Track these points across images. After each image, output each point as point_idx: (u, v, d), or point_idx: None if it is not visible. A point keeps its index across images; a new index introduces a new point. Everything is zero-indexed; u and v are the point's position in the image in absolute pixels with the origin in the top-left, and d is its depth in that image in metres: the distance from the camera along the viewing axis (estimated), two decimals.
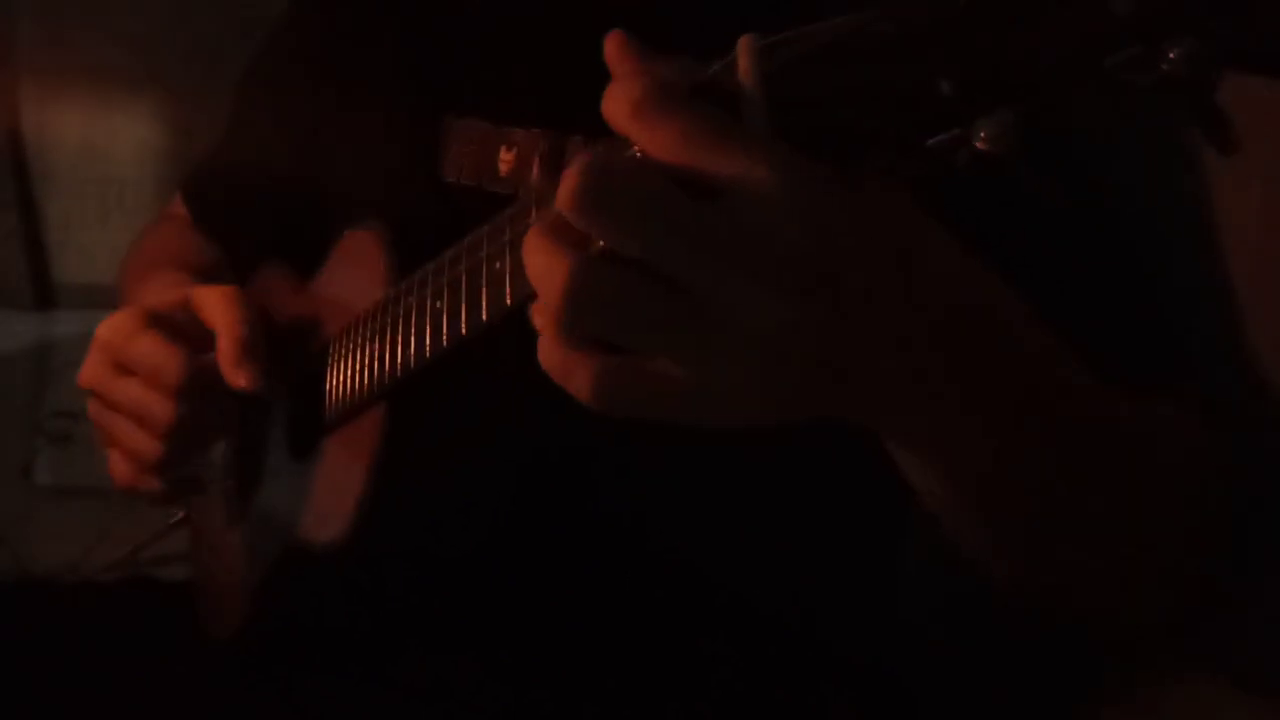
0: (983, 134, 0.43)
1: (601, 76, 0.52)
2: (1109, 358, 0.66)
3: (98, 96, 2.10)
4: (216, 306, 0.89)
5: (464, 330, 0.68)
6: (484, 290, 0.65)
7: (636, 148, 0.50)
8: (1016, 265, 0.59)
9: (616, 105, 0.49)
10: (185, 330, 0.89)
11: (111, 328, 0.89)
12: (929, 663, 0.95)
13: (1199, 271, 0.78)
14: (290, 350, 0.93)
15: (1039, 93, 0.42)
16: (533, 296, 0.58)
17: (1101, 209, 0.73)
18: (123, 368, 0.88)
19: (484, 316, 0.65)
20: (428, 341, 0.73)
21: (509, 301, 0.62)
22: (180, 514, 1.12)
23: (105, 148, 2.12)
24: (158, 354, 0.86)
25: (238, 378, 0.86)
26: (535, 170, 0.78)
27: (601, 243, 0.49)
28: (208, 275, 1.02)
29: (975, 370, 0.55)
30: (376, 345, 0.80)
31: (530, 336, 0.52)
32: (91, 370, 0.90)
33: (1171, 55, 0.39)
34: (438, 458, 0.83)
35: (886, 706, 0.88)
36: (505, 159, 0.84)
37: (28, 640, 0.93)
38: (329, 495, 0.86)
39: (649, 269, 0.48)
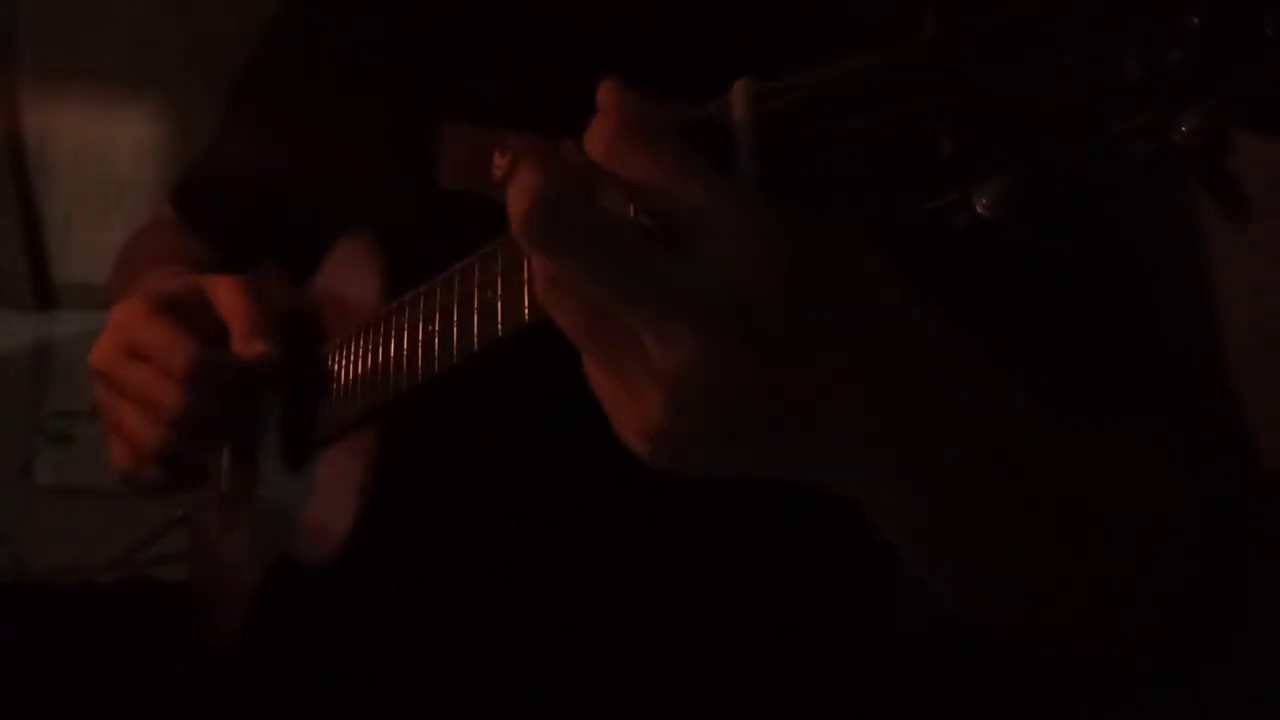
0: (984, 200, 0.42)
1: (598, 78, 0.52)
2: (1085, 382, 0.66)
3: (98, 96, 2.10)
4: (229, 295, 0.89)
5: (455, 358, 0.68)
6: (475, 320, 0.64)
7: (609, 177, 0.49)
8: (996, 283, 0.58)
9: (592, 136, 0.49)
10: (196, 318, 0.89)
11: (126, 310, 0.89)
12: (927, 664, 0.95)
13: (1186, 298, 0.78)
14: (286, 354, 0.93)
15: (1044, 158, 0.41)
16: (523, 329, 0.57)
17: (1093, 235, 0.73)
18: (134, 352, 0.88)
19: (475, 346, 0.64)
20: (420, 365, 0.73)
21: (500, 333, 0.61)
22: (180, 513, 1.12)
23: (105, 148, 2.12)
24: (169, 341, 0.86)
25: (253, 345, 0.86)
26: None
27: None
28: (201, 271, 1.02)
29: (914, 433, 0.54)
30: (369, 364, 0.80)
31: (526, 350, 0.52)
32: (103, 351, 0.89)
33: (1184, 128, 0.38)
34: (434, 465, 0.83)
35: (884, 709, 0.88)
36: (500, 164, 0.83)
37: (28, 640, 0.93)
38: (326, 501, 0.86)
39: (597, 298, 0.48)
